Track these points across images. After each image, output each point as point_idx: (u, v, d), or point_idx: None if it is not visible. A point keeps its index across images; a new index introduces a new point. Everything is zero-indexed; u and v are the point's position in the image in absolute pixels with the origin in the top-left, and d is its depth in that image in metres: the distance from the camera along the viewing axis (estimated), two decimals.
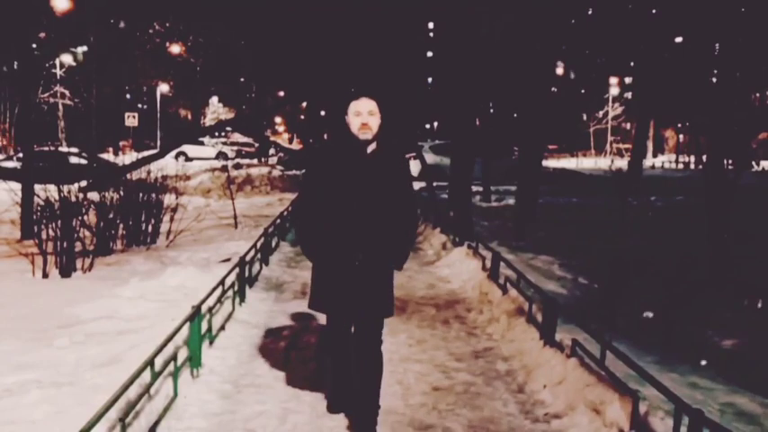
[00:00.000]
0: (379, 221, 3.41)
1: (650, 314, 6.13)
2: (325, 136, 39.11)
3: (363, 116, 3.35)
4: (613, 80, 47.18)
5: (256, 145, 39.37)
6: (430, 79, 50.14)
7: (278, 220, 10.22)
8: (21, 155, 13.16)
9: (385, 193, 3.42)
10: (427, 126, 55.56)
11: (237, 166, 24.74)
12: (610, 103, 48.78)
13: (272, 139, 55.20)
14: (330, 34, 22.14)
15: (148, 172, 10.37)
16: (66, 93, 37.68)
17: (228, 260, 7.87)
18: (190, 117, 54.05)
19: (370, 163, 3.41)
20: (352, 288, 3.42)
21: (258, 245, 7.80)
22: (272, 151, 40.49)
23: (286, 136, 66.19)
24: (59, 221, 7.77)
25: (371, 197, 3.40)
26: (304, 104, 44.63)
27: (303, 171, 3.81)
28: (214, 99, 58.59)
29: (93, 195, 9.02)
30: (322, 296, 3.52)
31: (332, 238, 3.42)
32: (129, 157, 23.22)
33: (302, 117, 52.71)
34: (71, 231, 7.73)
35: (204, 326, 4.72)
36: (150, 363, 3.57)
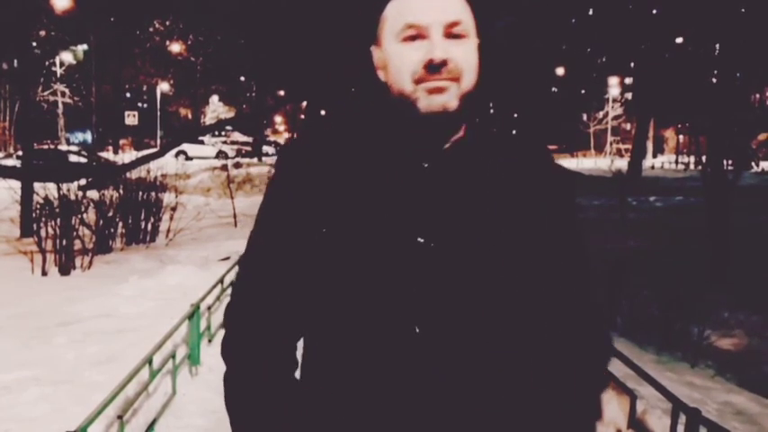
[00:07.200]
0: (502, 355, 1.08)
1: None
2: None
3: (433, 39, 1.03)
4: (613, 80, 47.15)
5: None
6: None
7: None
8: (20, 153, 13.17)
9: (514, 266, 1.08)
10: None
11: (237, 165, 24.73)
12: (610, 104, 48.77)
13: (271, 138, 55.26)
14: (330, 33, 22.14)
15: (148, 171, 10.40)
16: (66, 91, 37.70)
17: (228, 258, 7.88)
18: (190, 116, 54.05)
19: (459, 178, 1.08)
20: None
21: None
22: (270, 150, 40.44)
23: (286, 135, 66.19)
24: (59, 219, 7.79)
25: (472, 282, 1.04)
26: (304, 104, 44.60)
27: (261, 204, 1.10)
28: (214, 98, 58.54)
29: (93, 194, 9.04)
30: None
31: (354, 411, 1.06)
32: (128, 156, 23.23)
33: (302, 116, 52.70)
34: (70, 229, 7.74)
35: (203, 324, 4.72)
36: (149, 360, 3.57)
